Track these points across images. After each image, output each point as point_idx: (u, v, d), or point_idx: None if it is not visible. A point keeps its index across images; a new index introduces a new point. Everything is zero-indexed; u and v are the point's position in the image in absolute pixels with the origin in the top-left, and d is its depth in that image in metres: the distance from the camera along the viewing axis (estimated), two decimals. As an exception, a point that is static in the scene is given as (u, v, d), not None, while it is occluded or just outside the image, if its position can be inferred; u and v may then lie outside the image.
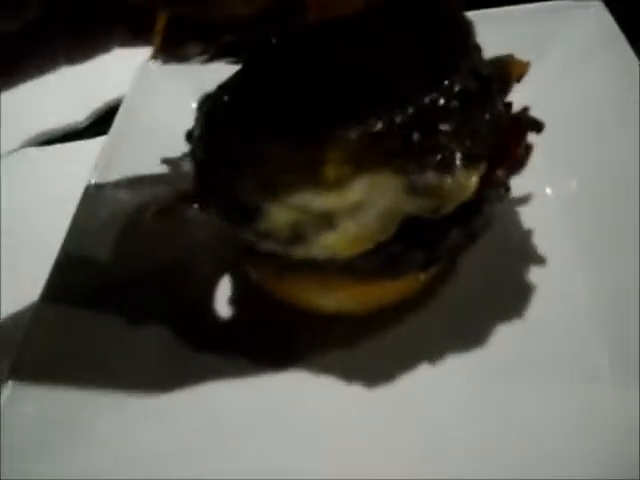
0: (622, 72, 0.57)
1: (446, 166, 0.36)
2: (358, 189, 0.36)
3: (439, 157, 0.36)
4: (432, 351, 0.44)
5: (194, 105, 0.67)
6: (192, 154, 0.42)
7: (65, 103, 0.83)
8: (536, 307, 0.46)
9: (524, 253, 0.48)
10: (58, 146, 0.77)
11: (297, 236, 0.37)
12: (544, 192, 0.53)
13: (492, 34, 0.57)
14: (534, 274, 0.48)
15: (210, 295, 0.50)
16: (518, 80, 0.47)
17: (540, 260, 0.48)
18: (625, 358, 0.41)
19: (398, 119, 0.36)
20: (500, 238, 0.48)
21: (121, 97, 0.72)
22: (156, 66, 0.69)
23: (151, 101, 0.70)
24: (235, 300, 0.50)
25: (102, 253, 0.52)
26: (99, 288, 0.49)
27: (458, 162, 0.36)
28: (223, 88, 0.43)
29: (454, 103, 0.38)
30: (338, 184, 0.36)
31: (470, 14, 0.58)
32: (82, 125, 0.82)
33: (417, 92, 0.37)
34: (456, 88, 0.38)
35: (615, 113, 0.55)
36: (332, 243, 0.37)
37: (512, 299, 0.46)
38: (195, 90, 0.64)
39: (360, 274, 0.40)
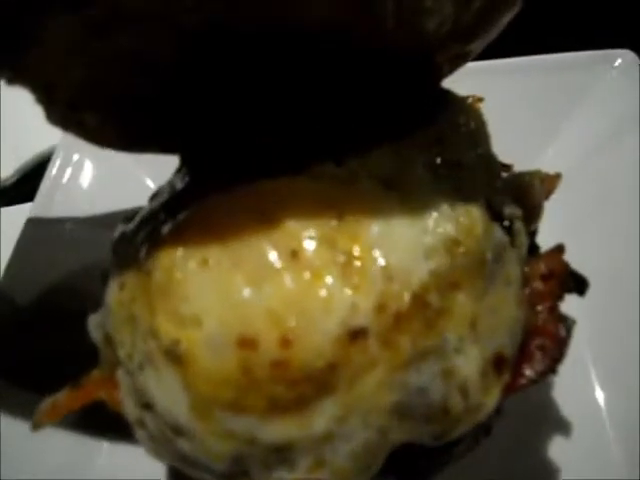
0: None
1: (454, 378, 0.25)
2: (326, 413, 0.25)
3: (442, 363, 0.25)
4: None
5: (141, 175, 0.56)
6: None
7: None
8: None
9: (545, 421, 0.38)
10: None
11: (239, 471, 0.26)
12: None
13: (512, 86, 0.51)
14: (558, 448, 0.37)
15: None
16: (546, 198, 0.35)
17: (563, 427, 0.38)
18: None
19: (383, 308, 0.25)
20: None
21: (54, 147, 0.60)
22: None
23: (84, 162, 0.58)
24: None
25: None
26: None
27: (473, 373, 0.25)
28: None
29: (463, 270, 0.26)
30: (298, 404, 0.25)
31: (491, 63, 0.50)
32: (9, 182, 0.70)
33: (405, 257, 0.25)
34: (468, 245, 0.27)
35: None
36: (288, 487, 0.26)
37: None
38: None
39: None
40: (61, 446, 0.39)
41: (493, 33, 0.31)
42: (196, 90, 0.29)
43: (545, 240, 0.35)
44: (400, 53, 0.31)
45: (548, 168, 0.39)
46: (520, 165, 0.37)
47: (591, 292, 0.35)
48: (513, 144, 0.42)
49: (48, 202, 0.55)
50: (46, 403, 0.30)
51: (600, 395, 0.39)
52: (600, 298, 0.42)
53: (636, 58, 0.53)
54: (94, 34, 0.24)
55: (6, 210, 0.65)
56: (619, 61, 0.53)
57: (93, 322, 0.31)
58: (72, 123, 0.31)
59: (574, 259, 0.32)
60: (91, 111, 0.30)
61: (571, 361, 0.38)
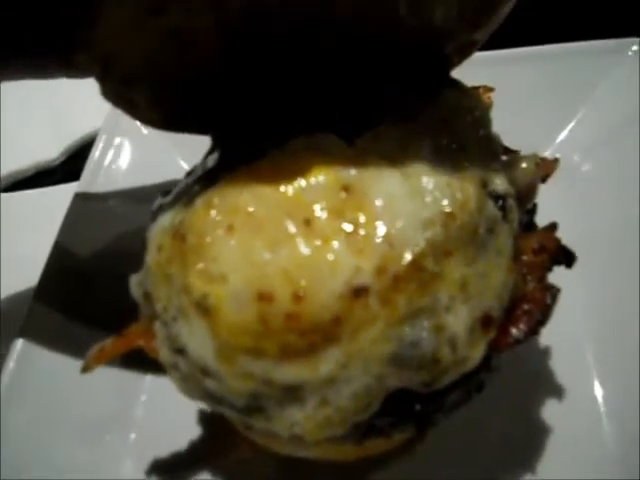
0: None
1: (444, 333, 0.29)
2: (331, 360, 0.29)
3: (434, 320, 0.29)
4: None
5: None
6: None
7: (38, 138, 0.76)
8: (556, 464, 0.38)
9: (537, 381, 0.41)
10: (29, 193, 0.70)
11: (256, 407, 0.30)
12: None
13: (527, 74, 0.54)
14: (550, 411, 0.40)
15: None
16: (543, 181, 0.38)
17: (556, 392, 0.41)
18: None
19: (384, 270, 0.28)
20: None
21: (97, 130, 0.66)
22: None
23: (124, 145, 0.63)
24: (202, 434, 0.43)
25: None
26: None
27: (461, 329, 0.29)
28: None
29: (457, 240, 0.30)
30: (307, 351, 0.29)
31: (505, 52, 0.52)
32: (56, 162, 0.75)
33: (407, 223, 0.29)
34: (462, 218, 0.30)
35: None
36: (298, 421, 0.29)
37: (523, 444, 0.39)
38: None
39: (337, 442, 0.32)
40: (103, 394, 0.44)
41: (495, 22, 0.34)
42: (229, 72, 0.33)
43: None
44: (413, 45, 0.34)
45: (559, 154, 0.42)
46: (531, 151, 0.39)
47: (592, 276, 0.38)
48: (525, 131, 0.45)
49: (92, 181, 0.60)
50: (94, 349, 0.35)
51: (598, 388, 0.41)
52: (600, 284, 0.44)
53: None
54: (152, 12, 0.28)
55: (53, 189, 0.71)
56: (634, 48, 0.55)
57: (134, 281, 0.36)
58: (123, 99, 0.35)
59: (577, 242, 0.35)
60: (141, 88, 0.34)
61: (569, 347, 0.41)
